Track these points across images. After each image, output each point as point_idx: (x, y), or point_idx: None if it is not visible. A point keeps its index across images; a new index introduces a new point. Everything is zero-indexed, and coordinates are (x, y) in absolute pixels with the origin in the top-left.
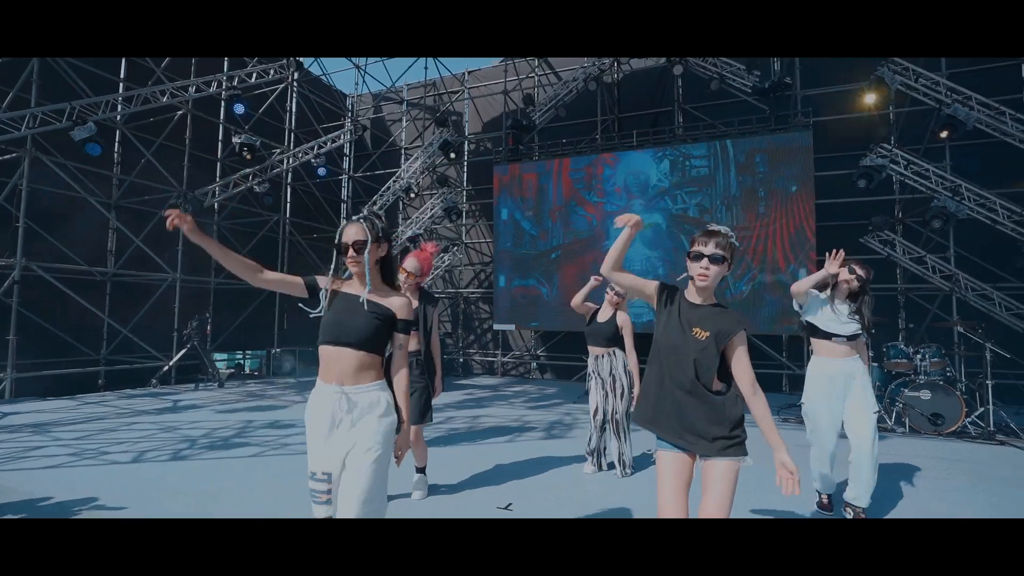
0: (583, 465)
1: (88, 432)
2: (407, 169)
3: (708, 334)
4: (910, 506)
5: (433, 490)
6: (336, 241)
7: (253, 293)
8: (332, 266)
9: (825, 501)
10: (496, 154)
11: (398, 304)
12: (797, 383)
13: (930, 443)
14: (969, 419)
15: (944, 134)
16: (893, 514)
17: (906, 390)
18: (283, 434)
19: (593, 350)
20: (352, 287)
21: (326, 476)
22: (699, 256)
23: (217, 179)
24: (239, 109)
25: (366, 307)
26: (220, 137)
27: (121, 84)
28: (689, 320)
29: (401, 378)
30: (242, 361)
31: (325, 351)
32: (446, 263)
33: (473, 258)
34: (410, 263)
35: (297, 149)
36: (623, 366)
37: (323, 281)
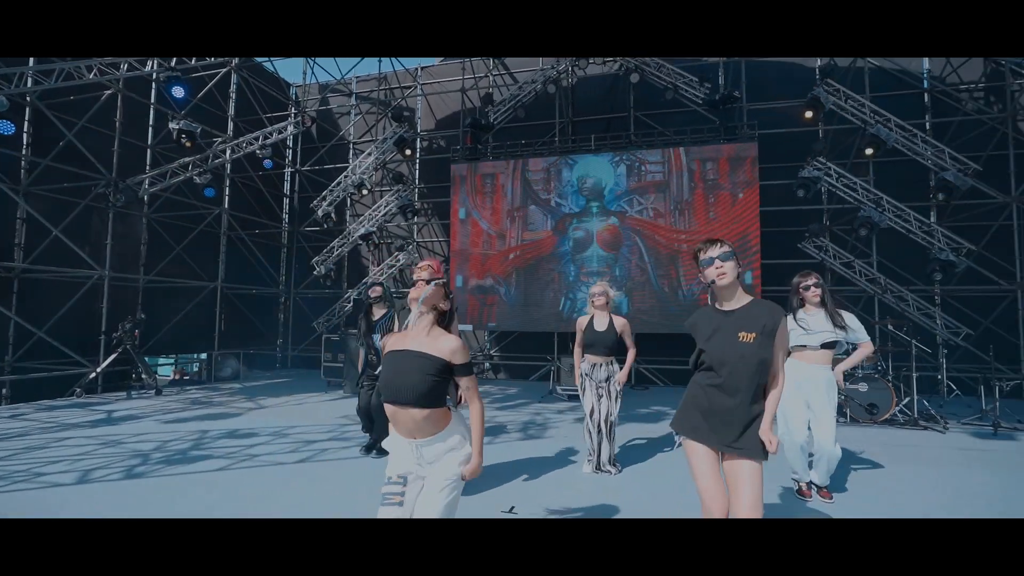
0: (580, 466)
1: (10, 451)
2: (359, 164)
3: (755, 334)
4: (873, 487)
5: None
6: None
7: (188, 292)
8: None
9: (804, 488)
10: (454, 152)
11: (449, 350)
12: None
13: (868, 430)
14: (898, 408)
15: (869, 151)
16: (859, 493)
17: (847, 383)
18: (247, 444)
19: (592, 358)
20: (404, 340)
21: (401, 479)
22: (709, 261)
23: (147, 167)
24: (178, 92)
25: (419, 362)
26: (151, 122)
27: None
28: (730, 328)
29: (475, 412)
30: (186, 366)
31: (388, 409)
32: (400, 262)
33: (425, 257)
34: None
35: (241, 139)
36: (617, 370)
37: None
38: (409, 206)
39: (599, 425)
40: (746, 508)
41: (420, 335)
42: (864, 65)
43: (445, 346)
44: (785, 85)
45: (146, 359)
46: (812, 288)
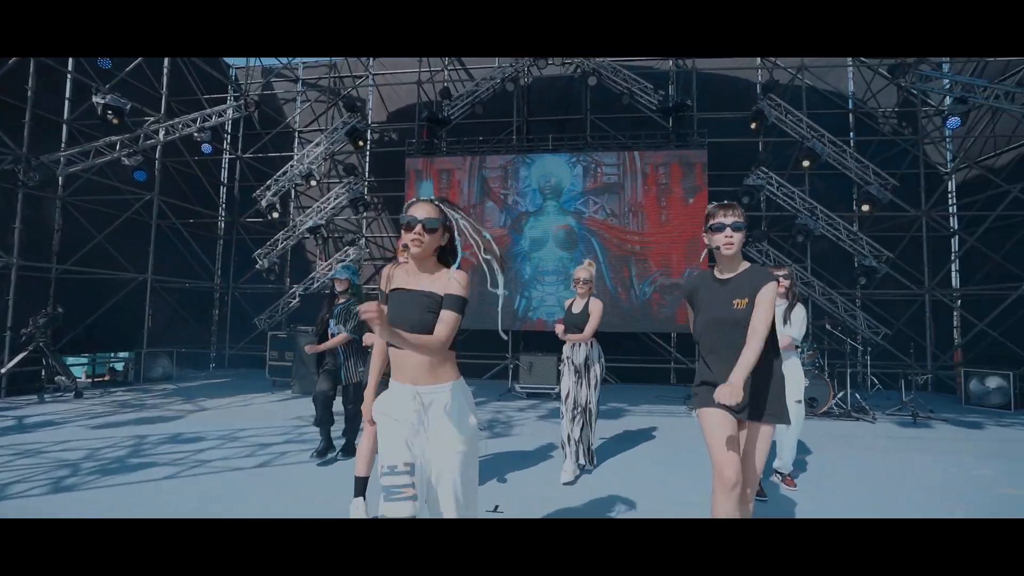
0: (558, 463)
1: None
2: (308, 154)
3: (747, 299)
4: (829, 471)
5: None
6: (402, 218)
7: (112, 285)
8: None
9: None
10: (409, 146)
11: (444, 281)
12: (684, 376)
13: (810, 422)
14: (834, 401)
15: (806, 163)
16: (817, 476)
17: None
18: (195, 449)
19: (570, 338)
20: (407, 279)
21: (409, 467)
22: (720, 227)
23: (63, 144)
24: (105, 63)
25: (422, 299)
26: (68, 95)
27: None
28: (727, 295)
29: (424, 339)
30: (107, 366)
31: (392, 353)
32: (351, 256)
33: (374, 253)
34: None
35: (177, 120)
36: (599, 356)
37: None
38: (361, 199)
39: (573, 410)
40: (753, 477)
41: (425, 276)
42: (801, 84)
43: (446, 282)
44: (731, 98)
45: (63, 358)
46: (781, 279)
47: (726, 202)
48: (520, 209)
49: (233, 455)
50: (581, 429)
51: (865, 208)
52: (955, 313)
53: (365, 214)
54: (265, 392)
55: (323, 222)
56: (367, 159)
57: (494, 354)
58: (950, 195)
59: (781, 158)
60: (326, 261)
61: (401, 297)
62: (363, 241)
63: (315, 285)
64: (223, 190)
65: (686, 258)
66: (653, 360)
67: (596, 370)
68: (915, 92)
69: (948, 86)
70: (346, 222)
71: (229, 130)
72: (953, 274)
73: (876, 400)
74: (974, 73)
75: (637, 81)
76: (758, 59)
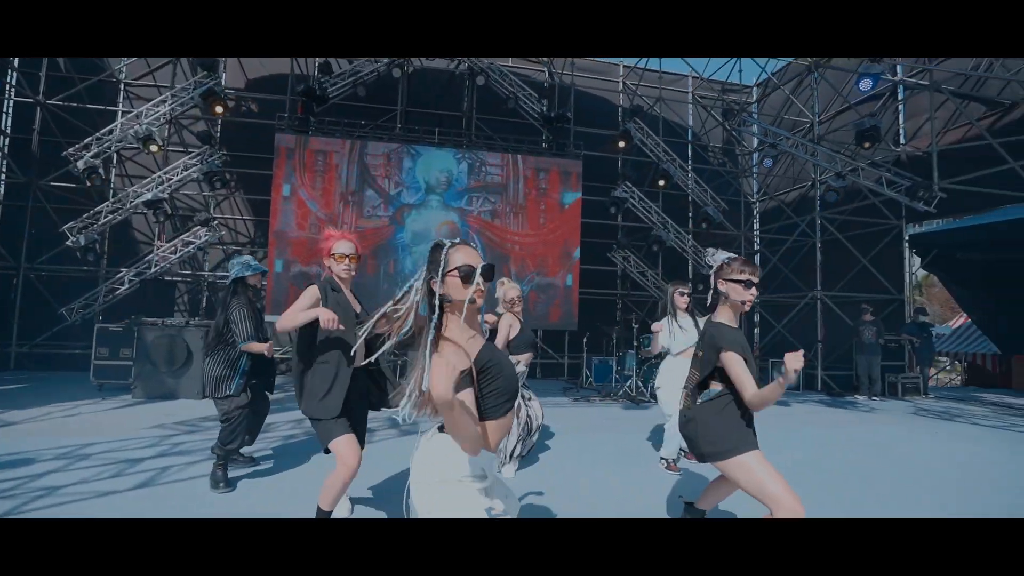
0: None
1: None
2: (146, 113)
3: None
4: None
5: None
6: (467, 270)
7: None
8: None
9: (673, 464)
10: (279, 120)
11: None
12: (573, 371)
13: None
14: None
15: (661, 182)
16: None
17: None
18: (29, 475)
19: (516, 358)
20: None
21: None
22: (750, 284)
23: None
24: None
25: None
26: None
27: None
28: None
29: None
30: None
31: (504, 420)
32: (201, 239)
33: (224, 237)
34: (345, 247)
35: None
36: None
37: None
38: (218, 174)
39: (525, 425)
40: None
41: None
42: (659, 113)
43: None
44: (603, 116)
45: None
46: (685, 296)
47: (753, 262)
48: (403, 200)
49: (93, 477)
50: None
51: (704, 225)
52: (756, 316)
53: (218, 191)
54: (92, 398)
55: (165, 196)
56: (218, 130)
57: None
58: (754, 220)
59: (640, 176)
60: (168, 242)
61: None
62: (215, 223)
63: (152, 270)
64: (5, 141)
65: (560, 260)
66: (543, 355)
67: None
68: (735, 134)
69: (758, 131)
70: (189, 198)
71: (17, 65)
72: None
73: None
74: (781, 124)
75: (523, 88)
76: (621, 84)
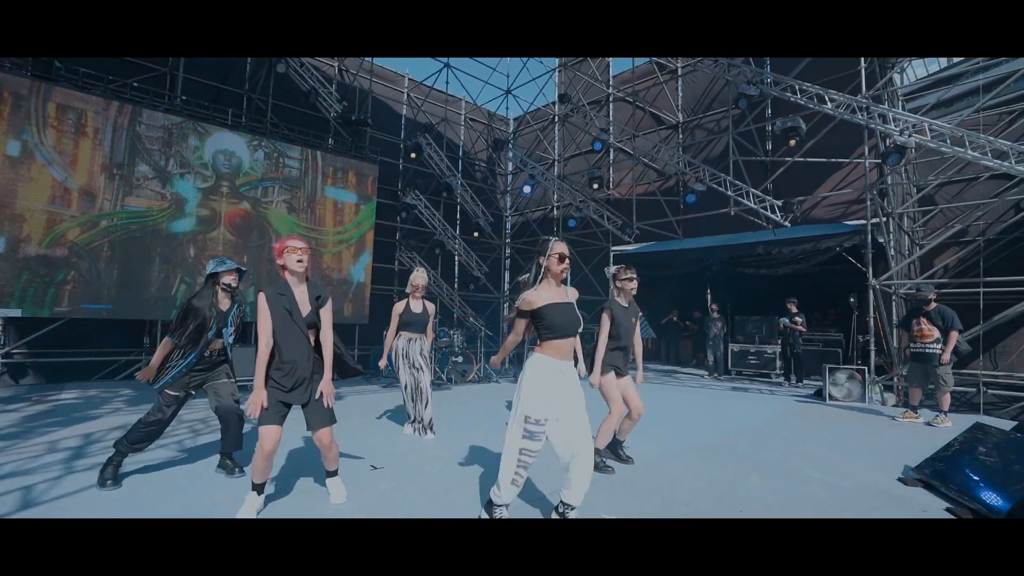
0: (402, 428)
1: None
2: None
3: (635, 319)
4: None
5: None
6: (551, 247)
7: None
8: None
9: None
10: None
11: (568, 291)
12: (363, 362)
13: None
14: (476, 370)
15: (445, 194)
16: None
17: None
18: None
19: (407, 334)
20: (552, 294)
21: (546, 420)
22: (632, 279)
23: None
24: None
25: (574, 308)
26: None
27: None
28: (630, 314)
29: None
30: None
31: (563, 342)
32: None
33: None
34: (297, 241)
35: None
36: (421, 348)
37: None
38: None
39: (412, 395)
40: (639, 406)
41: (562, 289)
42: (444, 132)
43: (570, 292)
44: (389, 124)
45: None
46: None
47: (628, 266)
48: (188, 182)
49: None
50: (421, 405)
51: (476, 234)
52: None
53: None
54: None
55: None
56: None
57: (126, 350)
58: (506, 232)
59: (428, 186)
60: None
61: (562, 308)
62: None
63: None
64: None
65: (354, 257)
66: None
67: (426, 359)
68: (497, 157)
69: (515, 160)
70: None
71: None
72: (506, 284)
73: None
74: (532, 157)
75: (324, 85)
76: (405, 96)
